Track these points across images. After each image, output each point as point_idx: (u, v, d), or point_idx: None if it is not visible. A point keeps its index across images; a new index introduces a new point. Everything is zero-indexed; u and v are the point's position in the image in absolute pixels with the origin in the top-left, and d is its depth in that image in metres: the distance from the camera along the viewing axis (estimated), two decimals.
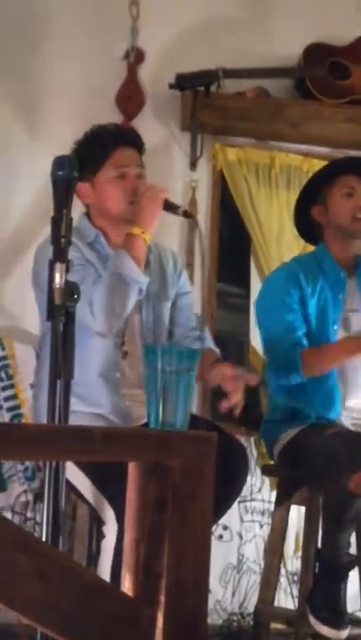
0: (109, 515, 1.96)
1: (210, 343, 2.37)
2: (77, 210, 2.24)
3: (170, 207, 2.14)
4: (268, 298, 2.63)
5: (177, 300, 2.32)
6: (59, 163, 1.59)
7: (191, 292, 2.42)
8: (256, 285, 3.52)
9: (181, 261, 2.47)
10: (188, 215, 2.22)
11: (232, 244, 3.69)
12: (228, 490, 2.11)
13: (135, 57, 3.45)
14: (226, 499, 2.13)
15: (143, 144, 2.30)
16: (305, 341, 2.52)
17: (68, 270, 1.51)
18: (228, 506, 2.20)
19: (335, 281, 2.60)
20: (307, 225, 2.73)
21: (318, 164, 3.14)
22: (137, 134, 2.35)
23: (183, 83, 3.32)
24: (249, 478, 3.37)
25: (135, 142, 2.28)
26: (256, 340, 3.49)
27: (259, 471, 3.28)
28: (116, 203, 2.19)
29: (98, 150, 2.20)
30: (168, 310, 2.30)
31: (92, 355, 2.10)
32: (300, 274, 2.58)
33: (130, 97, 3.43)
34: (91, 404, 2.08)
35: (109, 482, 1.92)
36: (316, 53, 3.51)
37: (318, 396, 2.54)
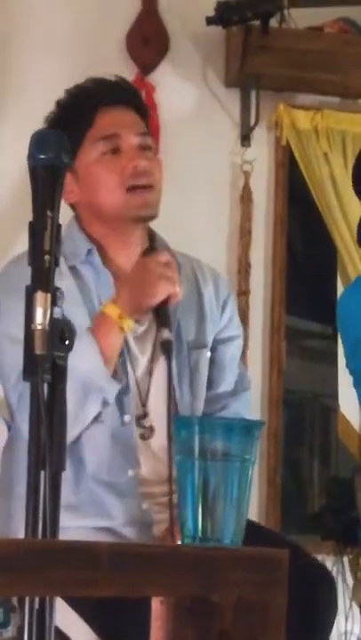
0: None
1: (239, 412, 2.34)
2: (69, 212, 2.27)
3: (160, 311, 2.12)
4: None
5: (216, 347, 2.29)
6: (40, 141, 1.59)
7: (240, 336, 2.39)
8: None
9: (227, 287, 2.43)
10: (165, 348, 2.13)
11: (308, 256, 3.70)
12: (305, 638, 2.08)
13: None
14: None
15: (142, 102, 2.29)
16: None
17: (55, 303, 1.52)
18: None
19: None
20: None
21: None
22: (130, 86, 2.33)
23: (228, 15, 3.37)
24: (342, 620, 3.34)
25: (128, 98, 2.26)
26: (349, 405, 3.48)
27: (357, 610, 3.25)
28: (109, 193, 2.16)
29: (73, 118, 2.20)
30: (207, 362, 2.28)
31: (82, 449, 2.08)
32: None
33: (147, 39, 3.49)
34: (91, 515, 2.07)
35: (121, 629, 1.91)
36: None
37: None
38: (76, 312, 1.95)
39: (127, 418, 2.16)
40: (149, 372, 2.20)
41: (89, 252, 2.19)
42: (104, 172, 2.17)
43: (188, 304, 2.26)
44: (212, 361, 2.29)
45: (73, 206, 2.25)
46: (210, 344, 2.28)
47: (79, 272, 2.18)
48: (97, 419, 2.12)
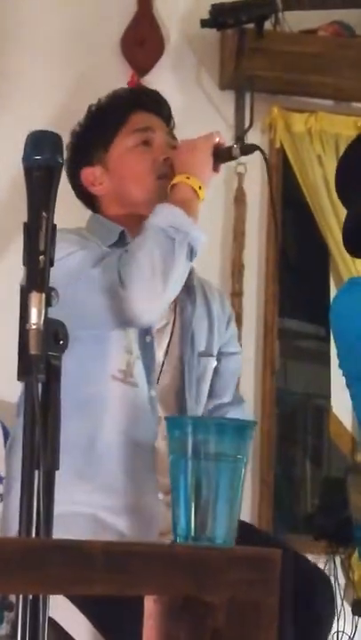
0: None
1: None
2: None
3: (222, 154, 2.18)
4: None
5: (221, 359, 2.35)
6: (35, 142, 1.59)
7: (240, 353, 2.45)
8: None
9: (230, 306, 2.51)
10: (250, 148, 2.23)
11: (302, 259, 3.71)
12: None
13: None
14: None
15: (171, 114, 2.37)
16: None
17: (49, 303, 1.52)
18: None
19: None
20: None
21: None
22: (162, 97, 2.42)
23: (223, 17, 3.37)
24: (334, 620, 3.34)
25: (160, 106, 2.37)
26: (341, 405, 3.49)
27: (348, 609, 3.25)
28: (140, 179, 2.25)
29: (107, 116, 2.31)
30: (212, 371, 2.33)
31: (105, 408, 2.11)
32: None
33: (142, 41, 3.49)
34: (97, 488, 2.07)
35: (116, 619, 1.91)
36: None
37: None
38: None
39: (153, 393, 2.18)
40: (162, 363, 2.24)
41: (122, 233, 2.25)
42: (137, 161, 2.26)
43: (200, 314, 2.31)
44: (215, 372, 2.34)
45: (98, 200, 2.32)
46: (215, 354, 2.33)
47: (116, 251, 2.22)
48: (134, 382, 2.15)
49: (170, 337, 2.24)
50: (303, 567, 2.15)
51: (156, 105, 2.35)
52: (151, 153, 2.26)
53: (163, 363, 2.24)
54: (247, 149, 2.20)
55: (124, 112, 2.29)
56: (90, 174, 2.28)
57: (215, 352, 2.33)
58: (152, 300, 2.06)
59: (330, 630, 2.19)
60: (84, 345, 2.07)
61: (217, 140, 2.18)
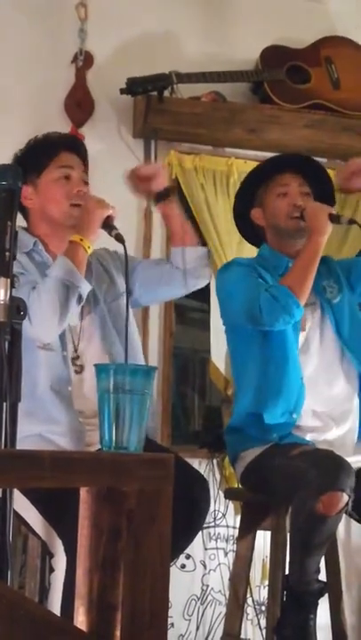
0: (59, 546, 1.95)
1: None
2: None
3: (107, 226, 2.19)
4: (232, 278, 2.61)
5: (135, 276, 2.37)
6: (1, 172, 1.59)
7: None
8: (216, 299, 3.54)
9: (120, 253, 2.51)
10: (120, 239, 2.22)
11: None
12: (189, 522, 2.11)
13: (84, 61, 3.47)
14: (188, 530, 2.13)
15: (87, 156, 2.37)
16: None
17: (13, 285, 1.51)
18: (191, 536, 2.19)
19: (285, 271, 2.62)
20: (249, 228, 2.77)
21: None
22: (82, 143, 2.41)
23: (135, 87, 3.34)
24: (212, 503, 3.37)
25: (80, 150, 2.38)
26: (217, 357, 3.52)
27: (222, 495, 3.29)
28: (58, 204, 2.25)
29: (43, 151, 2.30)
30: (124, 306, 2.32)
31: (37, 368, 2.11)
32: (255, 266, 2.63)
33: (79, 103, 3.44)
34: (41, 420, 2.07)
35: (58, 510, 1.91)
36: (274, 56, 3.56)
37: (285, 392, 2.52)
38: (36, 278, 2.13)
39: (65, 353, 2.18)
40: (80, 326, 2.23)
41: (34, 243, 2.25)
42: (59, 190, 2.25)
43: (99, 276, 2.31)
44: (144, 272, 2.41)
45: (28, 212, 2.30)
46: (123, 293, 2.32)
47: (31, 256, 2.24)
48: (51, 348, 2.14)
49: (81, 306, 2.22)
50: (185, 467, 2.18)
51: (77, 148, 2.35)
52: (70, 185, 2.26)
53: (80, 328, 2.24)
54: (118, 238, 2.20)
55: (55, 150, 2.29)
56: (24, 191, 2.27)
57: (121, 292, 2.34)
58: (49, 333, 2.09)
59: (207, 510, 2.21)
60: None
61: (110, 212, 2.19)
